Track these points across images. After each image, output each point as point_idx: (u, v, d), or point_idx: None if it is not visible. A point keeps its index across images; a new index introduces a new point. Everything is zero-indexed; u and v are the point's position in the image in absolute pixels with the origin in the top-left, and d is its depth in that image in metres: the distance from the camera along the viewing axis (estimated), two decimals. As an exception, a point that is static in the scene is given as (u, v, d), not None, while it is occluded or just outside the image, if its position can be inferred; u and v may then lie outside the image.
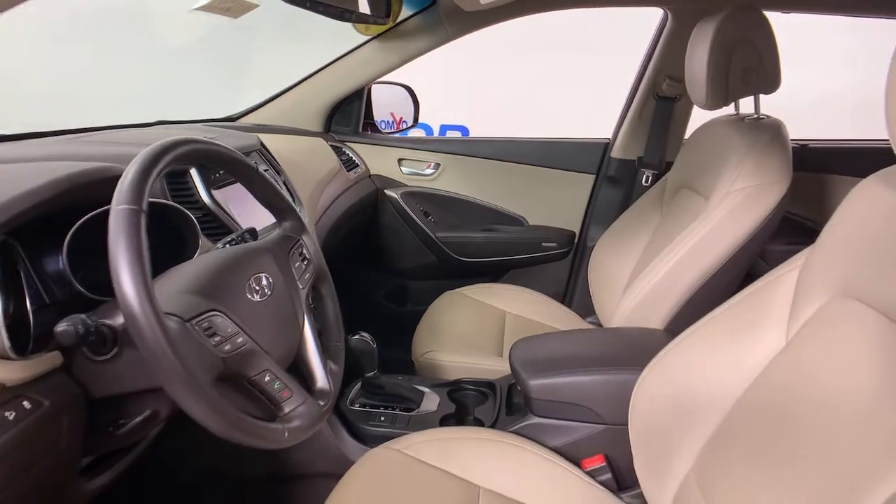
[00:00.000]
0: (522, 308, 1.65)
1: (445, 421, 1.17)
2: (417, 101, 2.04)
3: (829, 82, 2.96)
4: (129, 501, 0.98)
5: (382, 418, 1.15)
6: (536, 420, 1.07)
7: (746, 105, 1.34)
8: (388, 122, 2.11)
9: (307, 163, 1.53)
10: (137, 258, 0.54)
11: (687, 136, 1.76)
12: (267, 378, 0.66)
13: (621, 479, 1.04)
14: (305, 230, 0.86)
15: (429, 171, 1.93)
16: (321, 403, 0.73)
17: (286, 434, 0.65)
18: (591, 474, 1.01)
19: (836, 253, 0.72)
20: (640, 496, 0.95)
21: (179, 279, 0.66)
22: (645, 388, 0.90)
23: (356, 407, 1.18)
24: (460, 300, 1.67)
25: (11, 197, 0.62)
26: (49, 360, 0.63)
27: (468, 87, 4.01)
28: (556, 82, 3.86)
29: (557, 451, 1.03)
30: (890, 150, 0.70)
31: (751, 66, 1.23)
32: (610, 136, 1.89)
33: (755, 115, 1.31)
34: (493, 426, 1.14)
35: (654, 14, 1.72)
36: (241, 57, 2.80)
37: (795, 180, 1.20)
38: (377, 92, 1.98)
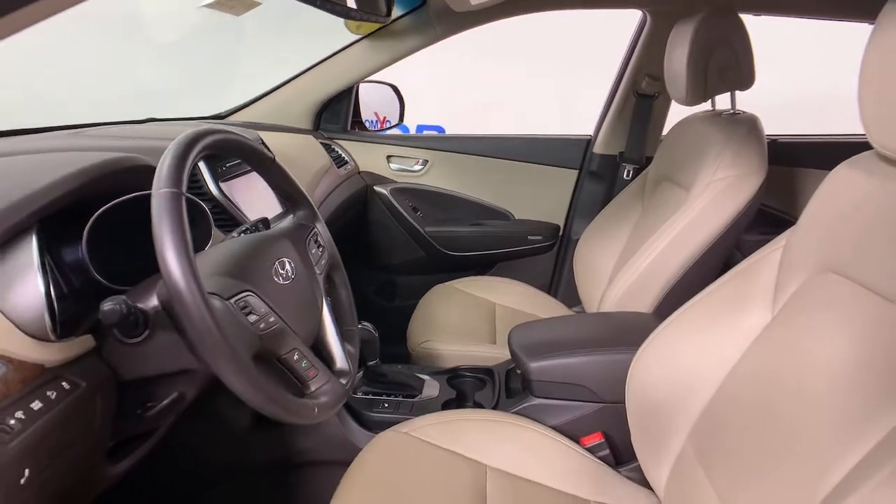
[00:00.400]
0: (511, 299, 1.70)
1: (447, 406, 1.20)
2: (403, 99, 2.07)
3: (792, 82, 3.10)
4: (141, 489, 0.99)
5: (386, 405, 1.19)
6: (536, 401, 1.12)
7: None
8: (372, 121, 2.14)
9: (300, 159, 1.55)
10: (182, 238, 0.57)
11: (665, 131, 1.84)
12: (296, 357, 0.69)
13: (619, 454, 1.08)
14: (318, 218, 0.89)
15: (417, 168, 1.97)
16: (342, 382, 0.77)
17: (316, 410, 0.68)
18: (591, 451, 1.06)
19: (815, 232, 0.78)
20: (638, 469, 1.00)
21: (209, 263, 0.69)
22: (640, 366, 0.95)
23: (360, 395, 1.21)
24: (451, 293, 1.71)
25: (44, 185, 0.64)
26: (82, 343, 0.65)
27: (445, 89, 4.07)
28: (530, 85, 3.96)
29: (557, 429, 1.08)
30: (853, 143, 0.77)
31: (727, 64, 1.30)
32: (591, 132, 1.95)
33: (731, 111, 1.38)
34: (494, 409, 1.18)
35: (625, 21, 1.80)
36: (227, 57, 2.79)
37: (767, 173, 1.27)
38: (363, 90, 2.01)
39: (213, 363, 0.57)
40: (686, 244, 1.26)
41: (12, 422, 0.52)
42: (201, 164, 1.01)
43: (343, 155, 1.87)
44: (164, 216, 0.57)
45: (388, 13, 1.12)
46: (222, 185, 1.04)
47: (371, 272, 2.03)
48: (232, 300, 0.64)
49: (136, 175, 0.77)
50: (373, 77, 1.87)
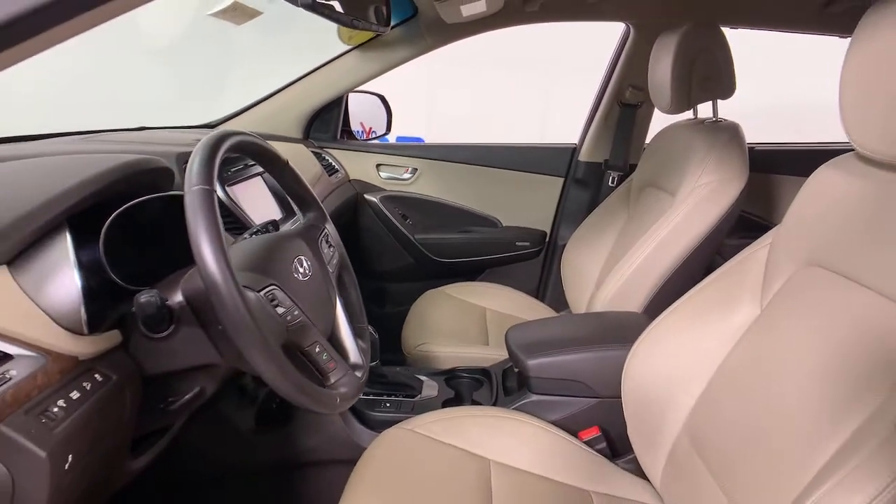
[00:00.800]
0: (501, 304, 1.74)
1: (447, 405, 1.23)
2: (390, 109, 2.11)
3: (767, 92, 3.23)
4: (148, 490, 1.00)
5: (388, 404, 1.21)
6: (535, 397, 1.15)
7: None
8: (358, 131, 2.18)
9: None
10: (216, 233, 0.59)
11: (648, 139, 1.91)
12: (317, 349, 0.71)
13: (615, 447, 1.12)
14: (328, 219, 0.92)
15: (406, 176, 2.01)
16: (358, 375, 0.79)
17: (338, 400, 0.70)
18: (588, 444, 1.10)
19: (800, 229, 0.83)
20: (634, 461, 1.04)
21: (233, 259, 0.71)
22: (635, 361, 0.99)
23: (361, 395, 1.23)
24: (442, 298, 1.75)
25: (74, 184, 0.66)
26: (110, 338, 0.66)
27: (424, 101, 4.13)
28: (507, 96, 4.04)
29: (556, 424, 1.11)
30: (829, 150, 0.83)
31: (710, 74, 1.37)
32: (576, 141, 2.01)
33: (714, 119, 1.45)
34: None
35: (603, 36, 1.87)
36: (215, 66, 2.80)
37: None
38: (352, 100, 2.04)
39: (246, 352, 0.59)
40: (673, 246, 1.32)
41: (55, 409, 0.54)
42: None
43: (333, 163, 1.90)
44: (198, 212, 0.59)
45: (388, 23, 1.16)
46: (227, 189, 1.06)
47: (362, 279, 2.04)
48: (262, 292, 0.67)
49: (156, 176, 0.79)
50: (361, 87, 1.91)
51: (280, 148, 1.66)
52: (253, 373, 0.75)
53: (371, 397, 1.23)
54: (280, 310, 0.68)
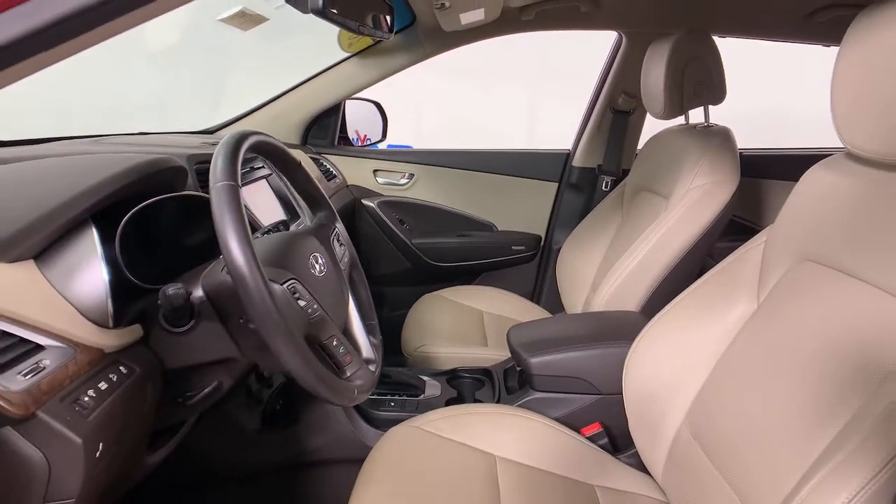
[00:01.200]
0: (497, 307, 1.77)
1: (450, 404, 1.25)
2: (386, 117, 2.14)
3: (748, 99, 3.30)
4: (156, 490, 1.00)
5: (392, 404, 1.22)
6: (538, 395, 1.17)
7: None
8: (353, 139, 2.20)
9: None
10: (242, 226, 0.61)
11: (640, 145, 1.95)
12: (335, 343, 0.73)
13: (616, 443, 1.15)
14: (337, 218, 0.94)
15: (403, 181, 2.03)
16: (371, 369, 0.81)
17: (355, 392, 0.72)
18: (591, 440, 1.12)
19: (794, 226, 0.86)
20: (635, 455, 1.06)
21: None
22: (635, 358, 1.01)
23: (366, 394, 1.25)
24: (440, 302, 1.77)
25: (98, 181, 0.67)
26: (132, 332, 0.68)
27: (413, 109, 4.17)
28: (494, 106, 4.11)
29: (558, 421, 1.13)
30: (815, 155, 0.87)
31: (701, 80, 1.42)
32: (570, 147, 2.05)
33: (705, 124, 1.49)
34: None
35: (590, 48, 1.91)
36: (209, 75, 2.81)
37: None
38: (349, 107, 2.07)
39: (272, 342, 0.61)
40: (668, 248, 1.35)
41: (86, 399, 0.55)
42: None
43: (331, 169, 1.92)
44: (224, 206, 0.61)
45: (391, 30, 1.19)
46: (236, 190, 1.07)
47: (359, 284, 2.06)
48: (284, 285, 0.68)
49: (172, 175, 0.81)
50: (357, 94, 1.94)
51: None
52: (270, 367, 0.76)
53: (375, 397, 1.25)
54: (301, 303, 0.69)
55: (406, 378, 1.29)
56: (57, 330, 0.57)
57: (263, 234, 0.93)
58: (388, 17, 1.16)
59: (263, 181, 1.24)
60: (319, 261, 0.79)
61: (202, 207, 0.87)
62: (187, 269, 0.74)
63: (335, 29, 1.57)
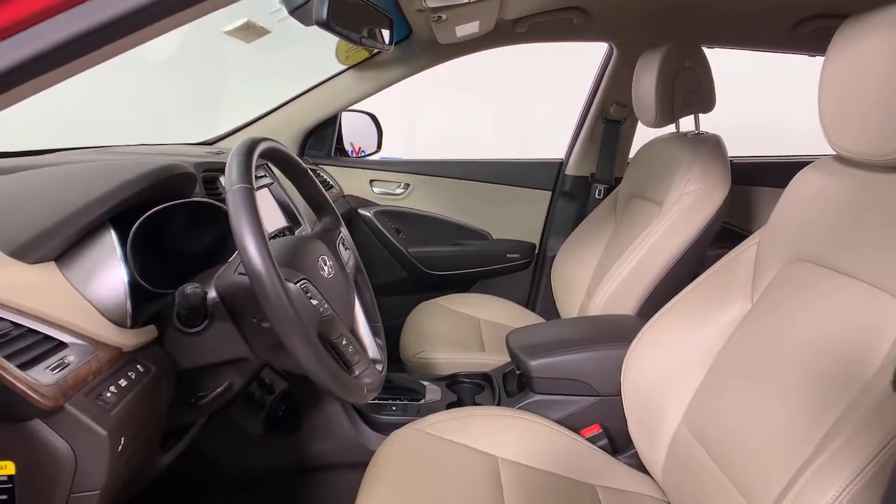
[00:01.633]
0: (493, 314, 1.79)
1: (451, 408, 1.26)
2: (381, 129, 2.17)
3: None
4: (162, 495, 1.01)
5: (394, 408, 1.24)
6: (537, 397, 1.19)
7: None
8: (348, 150, 2.23)
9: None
10: (258, 228, 0.63)
11: (632, 153, 1.99)
12: (344, 342, 0.75)
13: (616, 443, 1.16)
14: (342, 223, 0.96)
15: (399, 191, 2.06)
16: (378, 369, 0.83)
17: (365, 390, 0.74)
18: (590, 441, 1.14)
19: (785, 228, 0.89)
20: (634, 456, 1.08)
21: None
22: (634, 360, 1.04)
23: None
24: (436, 309, 1.79)
25: (115, 186, 0.69)
26: (147, 332, 0.69)
27: (405, 122, 4.22)
28: (484, 118, 4.16)
29: (558, 422, 1.15)
30: (803, 162, 0.90)
31: (691, 89, 1.46)
32: (563, 156, 2.09)
33: (696, 131, 1.53)
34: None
35: (578, 61, 1.95)
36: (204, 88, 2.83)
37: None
38: (345, 118, 2.10)
39: (287, 339, 0.63)
40: (662, 253, 1.38)
41: (108, 394, 0.56)
42: (222, 179, 1.06)
43: (328, 179, 1.94)
44: (241, 208, 0.63)
45: (391, 42, 1.22)
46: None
47: (357, 291, 2.08)
48: (297, 284, 0.70)
49: (184, 181, 0.83)
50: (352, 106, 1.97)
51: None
52: (283, 365, 0.78)
53: (377, 401, 1.26)
54: (314, 301, 0.71)
55: (407, 383, 1.31)
56: (79, 328, 0.58)
57: (270, 239, 0.95)
58: (387, 30, 1.20)
59: (265, 190, 1.26)
60: (328, 263, 0.81)
61: (208, 214, 0.89)
62: (193, 275, 0.75)
63: (332, 40, 1.60)
